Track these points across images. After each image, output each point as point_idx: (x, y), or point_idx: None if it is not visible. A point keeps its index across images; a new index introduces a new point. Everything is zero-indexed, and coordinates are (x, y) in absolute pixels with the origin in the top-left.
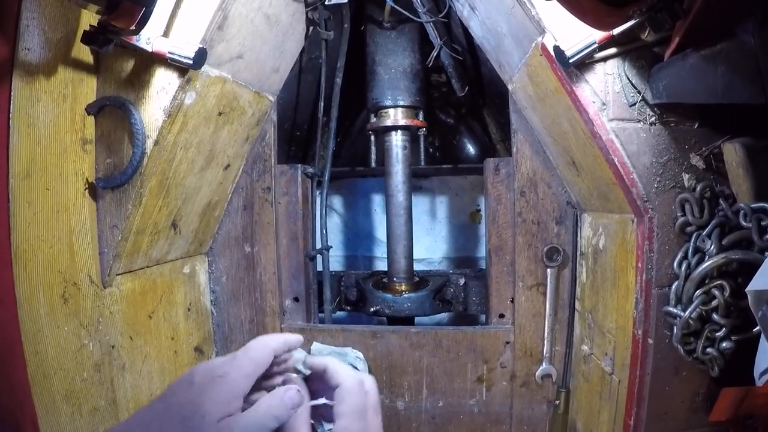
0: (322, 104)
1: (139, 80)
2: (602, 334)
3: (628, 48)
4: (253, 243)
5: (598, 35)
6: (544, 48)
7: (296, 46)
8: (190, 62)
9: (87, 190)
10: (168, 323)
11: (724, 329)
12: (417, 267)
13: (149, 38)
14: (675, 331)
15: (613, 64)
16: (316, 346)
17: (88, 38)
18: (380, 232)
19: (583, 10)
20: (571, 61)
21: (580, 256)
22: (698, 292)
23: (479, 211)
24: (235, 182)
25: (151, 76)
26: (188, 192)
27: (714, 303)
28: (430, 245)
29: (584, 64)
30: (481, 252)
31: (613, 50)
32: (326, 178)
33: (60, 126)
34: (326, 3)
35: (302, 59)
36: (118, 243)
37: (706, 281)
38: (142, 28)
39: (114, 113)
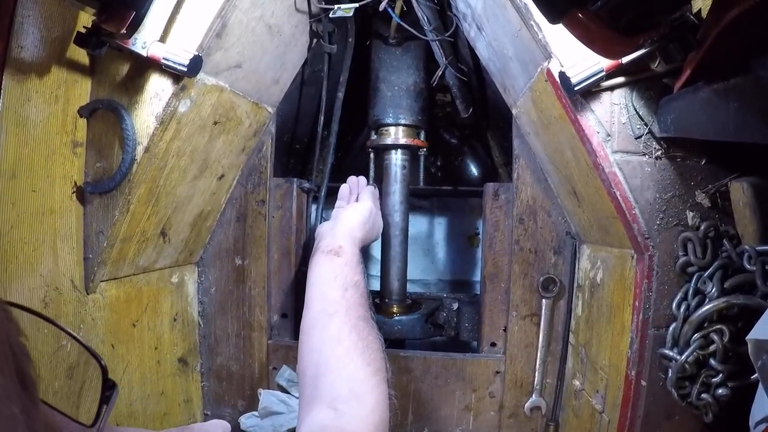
0: (322, 118)
1: (133, 85)
2: (595, 370)
3: (636, 78)
4: (244, 256)
5: (606, 63)
6: (549, 73)
7: (298, 57)
8: (185, 69)
9: (74, 194)
10: (152, 332)
11: (720, 375)
12: (412, 288)
13: (145, 42)
14: (670, 374)
15: (620, 93)
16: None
17: (81, 40)
18: (376, 250)
19: (591, 37)
20: (576, 88)
21: (576, 289)
22: (696, 335)
23: (478, 234)
24: (229, 193)
25: (145, 82)
26: (179, 201)
27: (712, 348)
28: (427, 267)
29: (590, 92)
30: (478, 276)
31: (620, 79)
32: (323, 193)
33: (50, 127)
34: (331, 15)
35: (304, 71)
36: (104, 249)
37: (705, 325)
38: (134, 32)
39: (106, 117)
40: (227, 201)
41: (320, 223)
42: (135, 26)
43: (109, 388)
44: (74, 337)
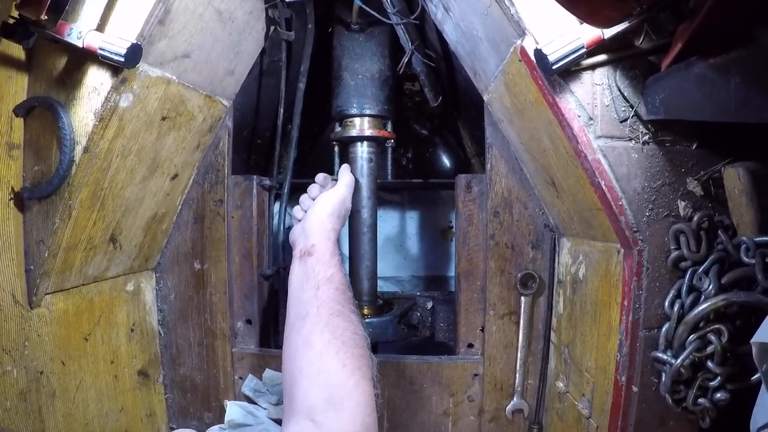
0: (282, 111)
1: (71, 79)
2: (580, 372)
3: (620, 55)
4: (203, 260)
5: (587, 39)
6: (523, 52)
7: (254, 46)
8: (122, 59)
9: (12, 201)
10: (107, 345)
11: (719, 378)
12: (385, 285)
13: (81, 32)
14: (663, 379)
15: (602, 73)
16: (268, 373)
17: (7, 31)
18: (344, 248)
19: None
20: (554, 67)
21: (557, 284)
22: (692, 336)
23: (452, 227)
24: (185, 193)
25: (83, 76)
26: (128, 204)
27: (709, 349)
28: (400, 263)
29: (570, 71)
30: (453, 271)
31: (603, 57)
32: (285, 190)
33: None
34: (287, 0)
35: (263, 61)
36: (46, 260)
37: (701, 324)
38: (57, 18)
39: (44, 115)
40: (183, 202)
41: (283, 223)
42: (57, 12)
43: None
44: None
